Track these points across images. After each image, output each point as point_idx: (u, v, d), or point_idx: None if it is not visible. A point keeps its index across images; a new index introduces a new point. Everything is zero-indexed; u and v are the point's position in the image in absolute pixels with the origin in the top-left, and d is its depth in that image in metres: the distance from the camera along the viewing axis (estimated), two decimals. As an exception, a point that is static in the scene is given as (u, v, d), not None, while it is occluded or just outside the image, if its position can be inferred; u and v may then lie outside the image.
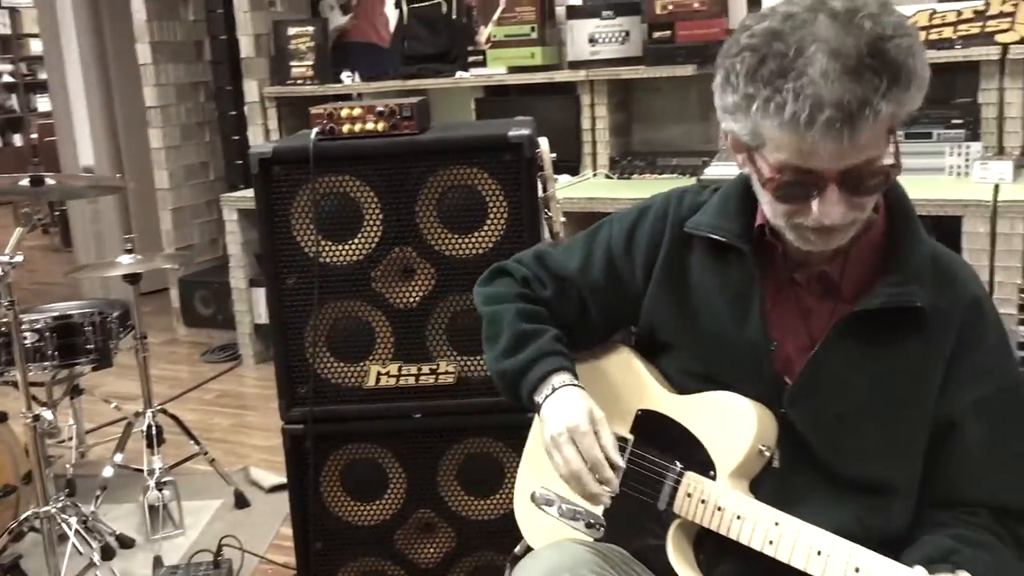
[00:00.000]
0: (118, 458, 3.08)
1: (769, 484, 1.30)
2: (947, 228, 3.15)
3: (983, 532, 1.23)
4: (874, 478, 1.27)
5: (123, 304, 3.26)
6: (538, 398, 1.40)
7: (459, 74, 4.26)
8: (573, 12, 4.07)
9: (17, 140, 11.23)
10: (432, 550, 2.19)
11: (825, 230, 1.19)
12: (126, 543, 2.85)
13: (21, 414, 2.47)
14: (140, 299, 3.09)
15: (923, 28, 3.59)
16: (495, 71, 4.18)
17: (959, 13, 3.54)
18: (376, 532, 2.19)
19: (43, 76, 8.55)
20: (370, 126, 2.02)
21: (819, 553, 1.18)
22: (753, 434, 1.28)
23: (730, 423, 1.30)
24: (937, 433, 1.27)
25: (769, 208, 1.24)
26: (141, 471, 2.98)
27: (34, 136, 8.26)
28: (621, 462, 1.33)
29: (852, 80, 1.07)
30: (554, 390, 1.39)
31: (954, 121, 3.46)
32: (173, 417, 3.19)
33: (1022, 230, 3.02)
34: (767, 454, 1.30)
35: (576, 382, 1.41)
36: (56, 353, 2.78)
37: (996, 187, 3.20)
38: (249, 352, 4.56)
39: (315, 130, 2.02)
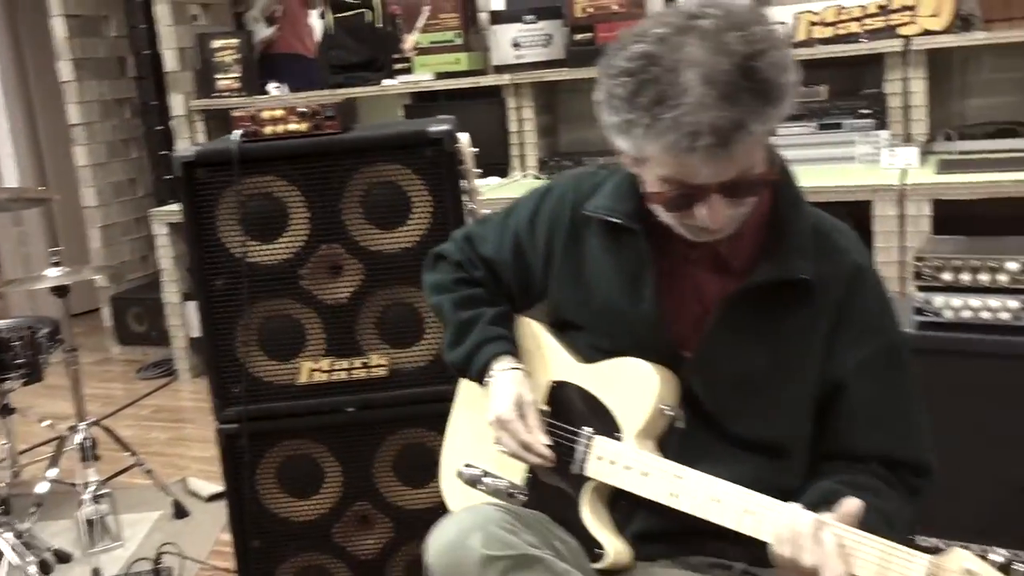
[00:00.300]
0: (52, 473, 3.05)
1: (675, 444, 1.38)
2: (860, 213, 3.30)
3: (870, 477, 1.32)
4: (769, 439, 1.35)
5: (52, 321, 3.24)
6: (485, 385, 1.51)
7: (386, 82, 4.31)
8: (496, 17, 4.15)
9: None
10: (370, 542, 2.23)
11: (708, 229, 1.27)
12: (63, 558, 2.83)
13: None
14: (72, 320, 3.08)
15: (830, 24, 3.74)
16: (421, 77, 4.23)
17: (864, 8, 3.70)
18: (314, 527, 2.22)
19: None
20: (293, 127, 2.05)
21: (717, 501, 1.26)
22: (655, 396, 1.36)
23: (633, 387, 1.38)
24: (827, 395, 1.35)
25: (657, 210, 1.31)
26: (76, 485, 2.96)
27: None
28: (541, 443, 1.42)
29: (727, 104, 1.13)
30: (492, 376, 1.50)
31: (862, 111, 3.60)
32: (107, 430, 3.17)
33: (928, 211, 3.17)
34: (670, 414, 1.37)
35: (514, 364, 1.50)
36: (-16, 369, 2.76)
37: (904, 172, 3.35)
38: (185, 366, 4.53)
39: (238, 132, 2.05)
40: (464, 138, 2.10)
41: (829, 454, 1.37)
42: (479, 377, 1.52)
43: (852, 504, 1.18)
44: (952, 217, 3.13)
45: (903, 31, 3.56)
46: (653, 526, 1.37)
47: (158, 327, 4.77)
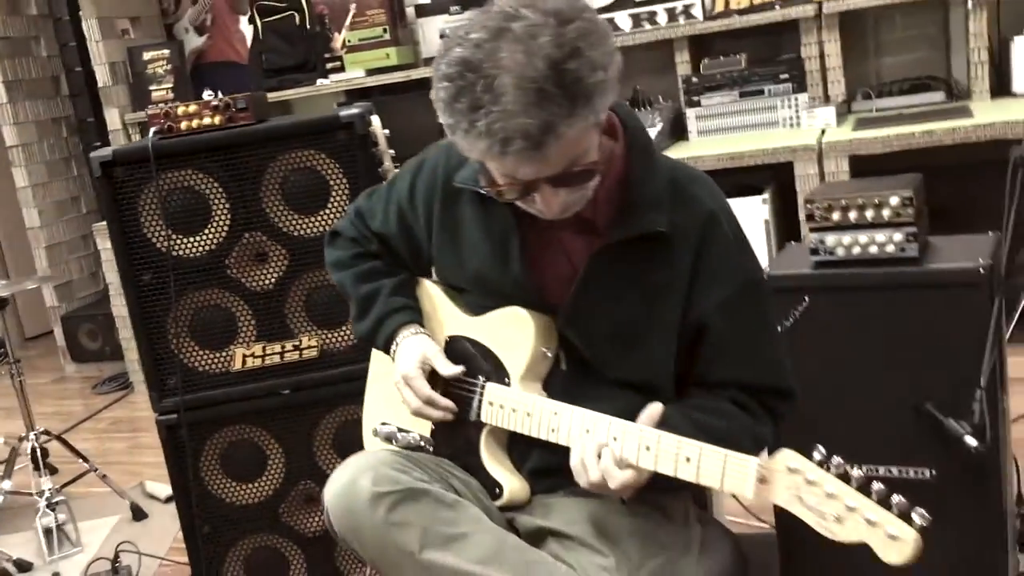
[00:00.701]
0: (6, 485, 3.09)
1: (559, 385, 1.47)
2: (785, 175, 3.40)
3: (722, 401, 1.41)
4: (639, 380, 1.44)
5: (-2, 338, 3.26)
6: (391, 353, 1.60)
7: (319, 81, 4.36)
8: (422, 10, 4.21)
9: None
10: (317, 519, 2.29)
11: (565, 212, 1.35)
12: (24, 567, 2.86)
13: None
14: (26, 343, 3.13)
15: (746, -8, 3.84)
16: (353, 75, 4.29)
17: (777, -24, 3.80)
18: (261, 509, 2.28)
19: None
20: (207, 120, 2.11)
21: (587, 431, 1.36)
22: (532, 339, 1.45)
23: (514, 333, 1.47)
24: (690, 335, 1.44)
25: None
26: (31, 495, 3.00)
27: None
28: (442, 399, 1.52)
29: (536, 109, 1.17)
30: (398, 345, 1.58)
31: (782, 76, 3.71)
32: (58, 438, 3.21)
33: (846, 167, 3.28)
34: (550, 355, 1.46)
35: (416, 330, 1.58)
36: (-72, 386, 2.78)
37: (823, 132, 3.46)
38: (140, 378, 4.55)
39: (153, 129, 2.10)
40: (376, 121, 2.17)
41: (694, 384, 1.47)
42: (386, 347, 1.60)
43: (653, 408, 1.31)
44: (870, 172, 3.25)
45: (815, -4, 3.67)
46: (548, 462, 1.46)
47: (111, 342, 4.80)
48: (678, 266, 1.42)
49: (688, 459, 1.26)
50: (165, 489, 3.26)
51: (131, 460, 3.71)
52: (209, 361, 2.19)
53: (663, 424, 1.33)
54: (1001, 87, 3.53)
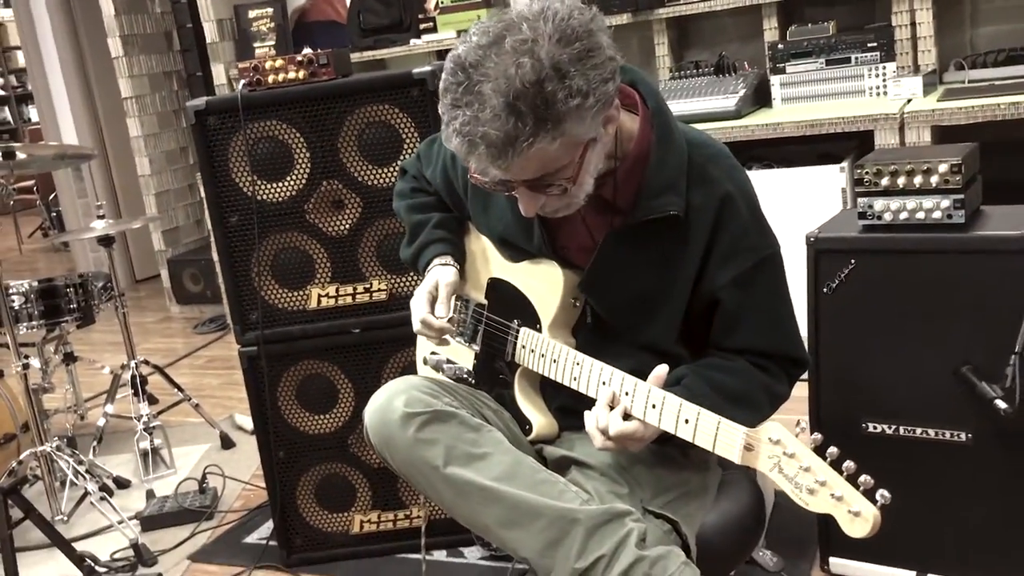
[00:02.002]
0: (109, 408, 3.36)
1: (584, 337, 1.58)
2: (867, 144, 3.39)
3: (739, 361, 1.49)
4: (653, 344, 1.53)
5: (106, 275, 3.52)
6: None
7: (412, 42, 4.49)
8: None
9: (13, 151, 11.48)
10: (382, 452, 2.45)
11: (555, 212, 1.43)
12: (123, 484, 3.13)
13: (13, 366, 2.74)
14: (136, 284, 3.37)
15: (840, -43, 3.79)
16: (445, 35, 4.41)
17: (872, -58, 3.74)
18: (332, 439, 2.45)
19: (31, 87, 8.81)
20: (292, 75, 2.26)
21: (603, 383, 1.46)
22: (561, 290, 1.56)
23: (546, 283, 1.58)
24: (704, 308, 1.51)
25: None
26: (132, 419, 3.26)
27: (27, 144, 8.54)
28: (436, 320, 1.63)
29: (502, 122, 1.24)
30: (427, 271, 1.72)
31: (870, 45, 3.66)
32: (157, 368, 3.46)
33: (928, 138, 3.25)
34: (578, 305, 1.56)
35: (448, 262, 1.71)
36: (41, 313, 3.05)
37: (908, 101, 3.42)
38: (236, 320, 4.82)
39: (242, 82, 2.26)
40: (448, 78, 2.28)
41: (712, 347, 1.54)
42: (423, 273, 1.74)
43: (660, 370, 1.39)
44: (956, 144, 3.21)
45: (911, -38, 3.61)
46: (574, 403, 1.56)
47: (212, 286, 5.08)
48: (693, 244, 1.48)
49: (687, 420, 1.35)
50: (252, 421, 3.49)
51: (223, 395, 3.97)
52: (288, 299, 2.36)
53: (679, 383, 1.42)
54: (1102, 60, 3.42)
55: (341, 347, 2.39)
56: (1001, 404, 1.71)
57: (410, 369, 2.38)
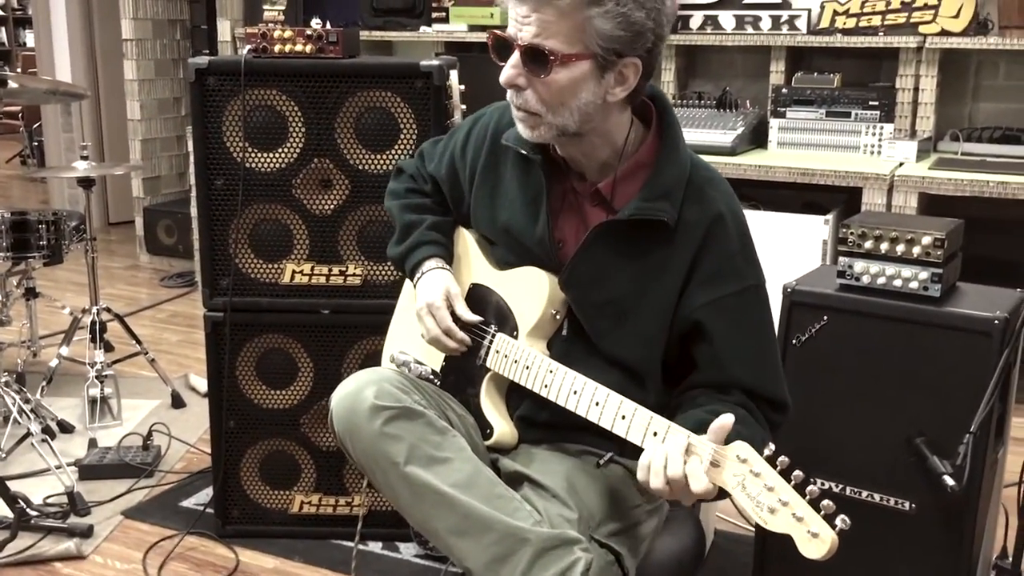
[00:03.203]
0: (64, 351, 3.31)
1: (558, 347, 1.58)
2: (854, 201, 3.42)
3: (735, 407, 1.46)
4: (626, 360, 1.53)
5: (81, 215, 3.48)
6: (415, 279, 1.73)
7: (423, 28, 4.48)
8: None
9: (3, 73, 11.30)
10: (333, 437, 2.43)
11: (524, 113, 1.47)
12: (66, 428, 3.09)
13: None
14: (110, 227, 3.32)
15: (854, 15, 3.84)
16: (456, 28, 4.40)
17: (888, 3, 3.79)
18: (284, 416, 2.44)
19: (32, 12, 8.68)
20: (299, 47, 2.24)
21: (574, 392, 1.47)
22: (545, 300, 1.56)
23: (529, 291, 1.58)
24: (685, 331, 1.52)
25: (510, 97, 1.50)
26: (85, 364, 3.22)
27: (18, 70, 8.42)
28: (460, 331, 1.63)
29: None
30: (423, 274, 1.70)
31: (871, 103, 3.70)
32: (118, 317, 3.42)
33: (915, 203, 3.29)
34: (558, 317, 1.56)
35: (442, 265, 1.70)
36: (10, 246, 3.01)
37: (900, 164, 3.46)
38: (205, 279, 4.78)
39: (248, 47, 2.24)
40: (454, 75, 2.28)
41: (694, 385, 1.53)
42: (411, 273, 1.73)
43: (725, 419, 1.31)
44: (939, 214, 3.25)
45: (923, 29, 3.65)
46: (535, 414, 1.57)
47: (185, 240, 5.03)
48: (677, 258, 1.49)
49: (655, 434, 1.36)
50: (205, 384, 3.46)
51: (181, 352, 3.93)
52: (261, 270, 2.34)
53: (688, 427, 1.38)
54: (1093, 152, 3.48)
55: (308, 326, 2.38)
56: (949, 481, 1.73)
57: (374, 357, 2.37)
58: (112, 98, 5.68)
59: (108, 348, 3.58)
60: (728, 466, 1.27)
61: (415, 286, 1.73)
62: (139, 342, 3.41)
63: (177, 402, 3.34)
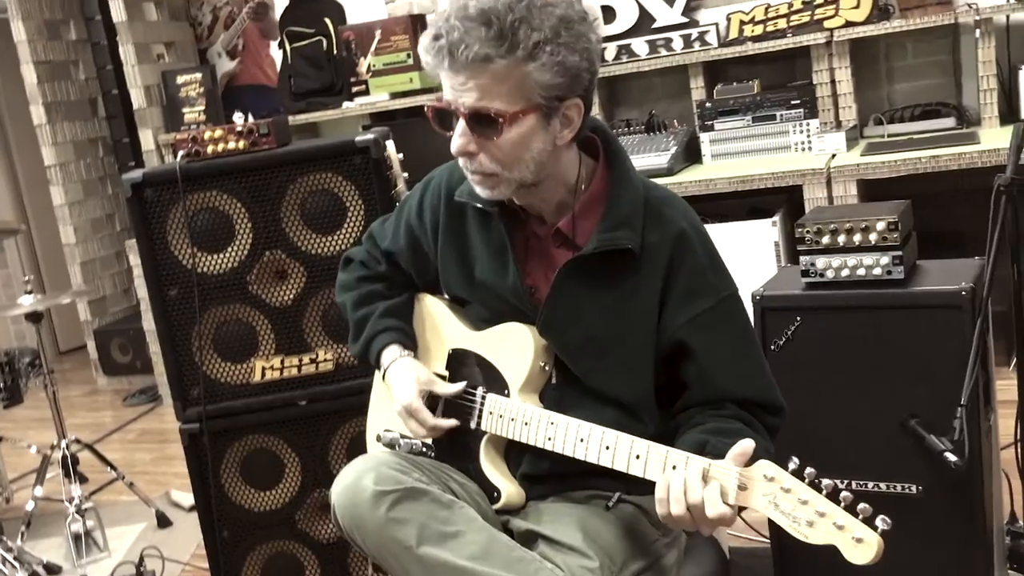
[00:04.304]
0: (38, 491, 3.22)
1: (550, 397, 1.57)
2: (797, 198, 3.48)
3: (732, 421, 1.47)
4: (618, 393, 1.53)
5: (33, 351, 3.40)
6: (381, 372, 1.73)
7: (345, 104, 4.50)
8: None
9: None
10: (331, 526, 2.38)
11: (475, 175, 1.47)
12: (54, 570, 2.98)
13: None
14: (60, 356, 3.25)
15: (760, 21, 3.94)
16: (378, 98, 4.43)
17: (790, 5, 3.90)
18: (278, 516, 2.38)
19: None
20: (232, 145, 2.23)
21: (581, 440, 1.45)
22: (532, 354, 1.55)
23: (515, 348, 1.57)
24: (670, 352, 1.52)
25: (464, 166, 1.50)
26: (62, 501, 3.12)
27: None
28: (445, 424, 1.62)
29: (468, 24, 1.35)
30: (388, 366, 1.70)
31: (793, 102, 3.78)
32: (88, 447, 3.33)
33: (854, 191, 3.35)
34: (548, 369, 1.55)
35: (401, 352, 1.70)
36: (-34, 394, 2.93)
37: (832, 156, 3.54)
38: (168, 391, 4.66)
39: (181, 152, 2.23)
40: (391, 145, 2.28)
41: (688, 405, 1.53)
42: (376, 366, 1.74)
43: (745, 444, 1.31)
44: (880, 196, 3.32)
45: (828, 24, 3.76)
46: (538, 469, 1.55)
47: (142, 356, 4.94)
48: (648, 283, 1.50)
49: (674, 467, 1.35)
50: (189, 498, 3.37)
51: (158, 470, 3.83)
52: (231, 373, 2.30)
53: (700, 453, 1.38)
54: (1011, 113, 3.59)
55: (287, 420, 2.33)
56: (951, 457, 1.74)
57: (359, 439, 2.34)
58: (43, 225, 5.60)
59: (83, 480, 3.48)
60: (756, 487, 1.26)
61: (384, 379, 1.72)
62: (114, 468, 3.32)
63: (163, 521, 3.25)
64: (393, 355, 1.69)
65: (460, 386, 1.63)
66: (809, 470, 1.24)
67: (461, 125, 1.43)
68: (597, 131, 1.57)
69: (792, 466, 1.26)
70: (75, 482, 3.12)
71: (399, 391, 1.65)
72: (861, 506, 1.21)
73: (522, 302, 1.57)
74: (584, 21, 1.40)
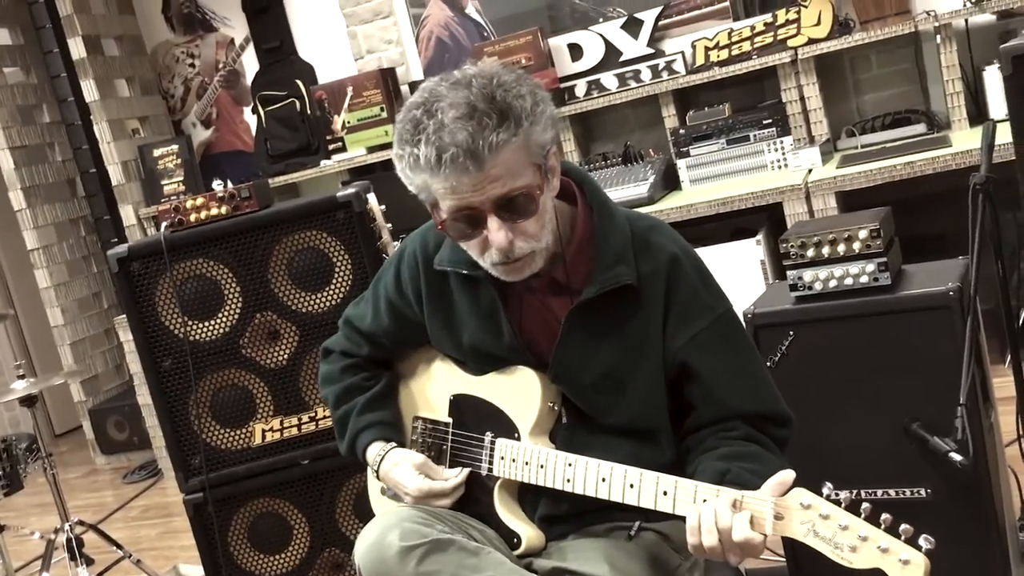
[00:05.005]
0: (45, 577, 3.17)
1: (563, 437, 1.56)
2: (776, 216, 3.51)
3: (744, 443, 1.47)
4: (635, 425, 1.53)
5: (30, 436, 3.38)
6: (373, 472, 1.72)
7: (323, 162, 4.54)
8: (416, 87, 4.37)
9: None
10: (344, 585, 2.37)
11: (510, 264, 1.45)
12: (65, 657, 2.94)
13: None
14: (56, 439, 3.22)
15: (724, 46, 4.00)
16: (355, 154, 4.47)
17: (752, 28, 3.96)
18: (289, 579, 2.36)
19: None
20: (214, 211, 2.25)
21: (603, 480, 1.45)
22: (539, 395, 1.55)
23: (521, 390, 1.57)
24: (676, 375, 1.53)
25: (471, 253, 1.48)
26: (70, 586, 3.08)
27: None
28: (458, 481, 1.61)
29: (467, 122, 1.33)
30: (379, 464, 1.69)
31: (765, 122, 3.83)
32: (93, 527, 3.30)
33: (834, 204, 3.39)
34: (556, 409, 1.55)
35: (382, 448, 1.69)
36: (-35, 485, 2.90)
37: (809, 171, 3.57)
38: (168, 465, 4.64)
39: (164, 224, 2.24)
40: (372, 198, 2.30)
41: (697, 426, 1.53)
42: (364, 465, 1.73)
43: (786, 475, 1.30)
44: (860, 206, 3.35)
45: (791, 43, 3.82)
46: (556, 510, 1.54)
47: (138, 432, 4.90)
48: (651, 311, 1.51)
49: (705, 500, 1.35)
50: (198, 571, 3.32)
51: (164, 545, 3.79)
52: (230, 439, 2.30)
53: (721, 482, 1.38)
54: (980, 114, 3.64)
55: (291, 481, 2.33)
56: (956, 457, 1.74)
57: (364, 496, 2.32)
58: (30, 309, 5.59)
59: (89, 562, 3.42)
60: (793, 516, 1.26)
61: (379, 478, 1.71)
62: (120, 547, 3.28)
63: (173, 597, 3.21)
64: (377, 451, 1.68)
65: (463, 474, 1.61)
66: (844, 494, 1.24)
67: (494, 221, 1.40)
68: (569, 172, 1.58)
69: (826, 491, 1.25)
70: (81, 564, 3.08)
71: (402, 481, 1.63)
72: (903, 527, 1.21)
73: (520, 358, 1.57)
74: (539, 96, 1.41)
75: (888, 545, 1.20)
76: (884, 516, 1.22)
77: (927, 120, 3.70)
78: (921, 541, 1.20)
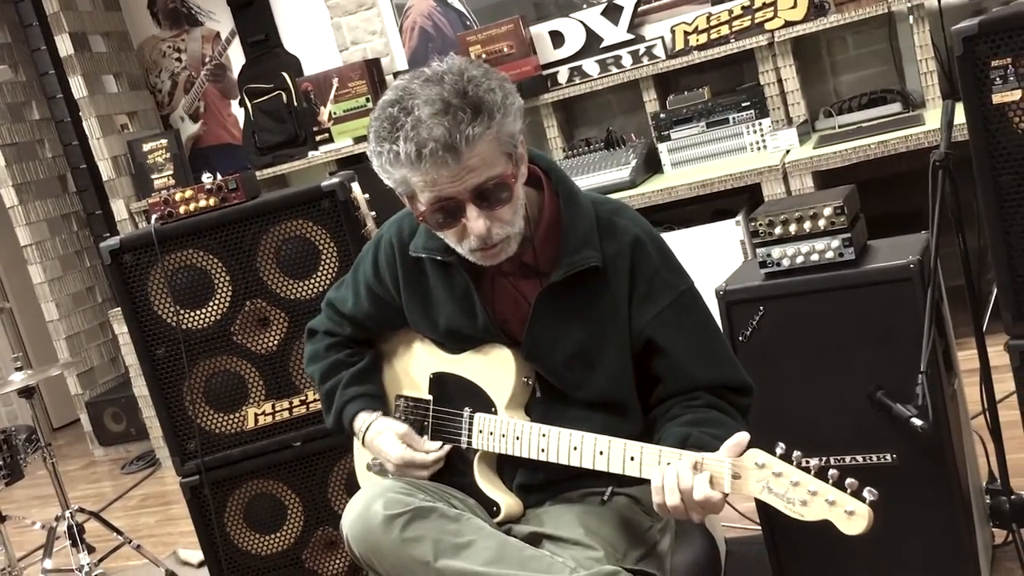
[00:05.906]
0: (47, 564, 3.25)
1: (537, 410, 1.65)
2: (756, 197, 3.58)
3: (706, 410, 1.56)
4: (605, 398, 1.61)
5: (29, 428, 3.45)
6: (358, 441, 1.81)
7: (311, 154, 4.59)
8: (400, 77, 4.43)
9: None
10: (338, 562, 2.44)
11: (488, 249, 1.52)
12: (69, 641, 3.02)
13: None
14: (55, 432, 3.28)
15: (703, 30, 4.06)
16: (342, 144, 4.52)
17: (730, 12, 4.02)
18: (285, 558, 2.44)
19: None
20: (203, 203, 2.31)
21: (575, 448, 1.53)
22: (514, 371, 1.63)
23: (495, 366, 1.65)
24: (642, 350, 1.61)
25: (449, 241, 1.56)
26: (72, 571, 3.16)
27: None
28: (439, 455, 1.69)
29: (443, 117, 1.39)
30: (364, 432, 1.77)
31: (744, 104, 3.90)
32: (93, 515, 3.37)
33: (811, 183, 3.46)
34: (531, 384, 1.63)
35: (369, 418, 1.77)
36: (-34, 475, 2.97)
37: (787, 152, 3.65)
38: (165, 454, 4.71)
39: (155, 216, 2.30)
40: (356, 187, 2.36)
41: (663, 397, 1.61)
42: (350, 437, 1.82)
43: (740, 436, 1.38)
44: (836, 186, 3.42)
45: (768, 26, 3.88)
46: (532, 479, 1.63)
47: (135, 423, 4.97)
48: (616, 291, 1.58)
49: (668, 463, 1.43)
50: (197, 555, 3.41)
51: (163, 532, 3.87)
52: (224, 423, 2.37)
53: (684, 445, 1.46)
54: (954, 92, 3.70)
55: (284, 463, 2.40)
56: (917, 421, 1.82)
57: (354, 474, 2.39)
58: (24, 304, 5.64)
59: (90, 549, 3.50)
60: (749, 475, 1.34)
61: (364, 446, 1.79)
62: (120, 532, 3.36)
63: (173, 580, 3.28)
64: (363, 421, 1.76)
65: (436, 447, 1.69)
66: (796, 453, 1.32)
67: (472, 209, 1.46)
68: (535, 160, 1.65)
69: (779, 451, 1.33)
70: (83, 551, 3.16)
71: (385, 450, 1.72)
72: (848, 481, 1.29)
73: (493, 337, 1.65)
74: (507, 90, 1.48)
75: (835, 498, 1.28)
76: (831, 472, 1.30)
77: (902, 99, 3.77)
78: (865, 493, 1.28)
